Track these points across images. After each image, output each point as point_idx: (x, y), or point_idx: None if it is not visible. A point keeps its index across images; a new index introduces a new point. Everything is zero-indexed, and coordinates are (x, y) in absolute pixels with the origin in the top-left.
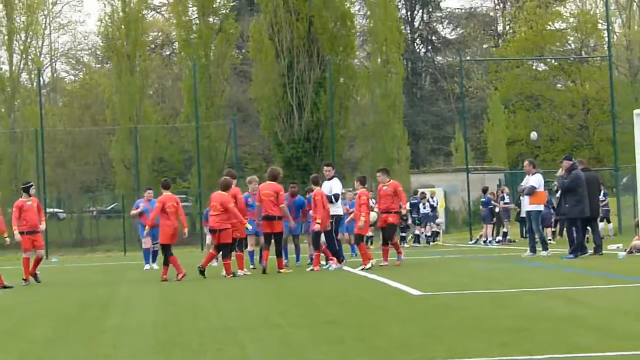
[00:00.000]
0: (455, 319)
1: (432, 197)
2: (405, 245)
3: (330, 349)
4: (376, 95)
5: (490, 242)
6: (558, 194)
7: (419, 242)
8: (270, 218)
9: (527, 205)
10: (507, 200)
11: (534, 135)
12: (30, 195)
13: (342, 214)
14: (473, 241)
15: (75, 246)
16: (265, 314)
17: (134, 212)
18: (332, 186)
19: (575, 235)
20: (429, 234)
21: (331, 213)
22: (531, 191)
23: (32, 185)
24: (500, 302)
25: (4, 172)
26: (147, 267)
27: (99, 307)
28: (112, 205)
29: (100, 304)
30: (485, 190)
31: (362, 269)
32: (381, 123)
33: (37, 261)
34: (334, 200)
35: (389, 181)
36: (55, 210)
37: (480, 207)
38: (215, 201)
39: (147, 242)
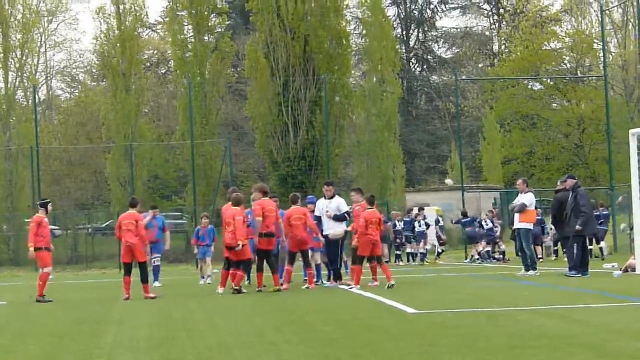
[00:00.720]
0: (450, 338)
1: (440, 217)
2: (401, 263)
3: None
4: (372, 114)
5: (478, 260)
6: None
7: (414, 261)
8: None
9: (518, 223)
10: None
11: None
12: (47, 212)
13: (345, 230)
14: (468, 260)
15: (71, 263)
16: (261, 331)
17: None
18: (339, 205)
19: (576, 252)
20: (423, 251)
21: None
22: (522, 209)
23: (49, 202)
24: (495, 320)
25: (0, 189)
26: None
27: (93, 324)
28: (108, 223)
29: (95, 321)
30: (465, 214)
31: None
32: (377, 142)
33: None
34: (347, 217)
35: (362, 201)
36: (51, 227)
37: (464, 228)
38: (229, 217)
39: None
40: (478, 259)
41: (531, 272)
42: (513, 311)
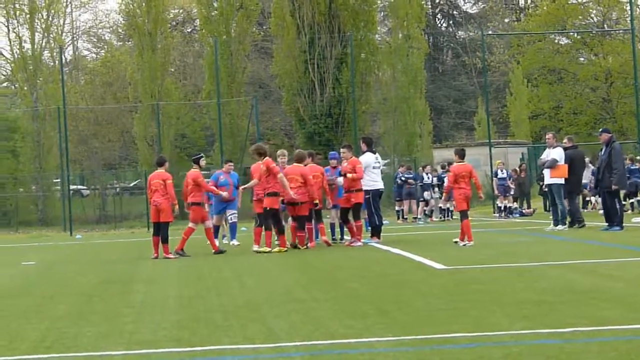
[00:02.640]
0: (478, 293)
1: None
2: (433, 219)
3: (354, 324)
4: (398, 70)
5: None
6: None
7: (446, 216)
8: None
9: (548, 179)
10: (500, 175)
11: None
12: (200, 167)
13: (379, 187)
14: (497, 215)
15: (99, 223)
16: (289, 288)
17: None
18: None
19: (618, 206)
20: (450, 207)
21: (367, 188)
22: (552, 164)
23: (202, 157)
24: (523, 275)
25: (27, 149)
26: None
27: (122, 284)
28: (135, 182)
29: (124, 280)
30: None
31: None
32: (403, 98)
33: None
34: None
35: (351, 157)
36: (79, 187)
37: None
38: (295, 174)
39: (217, 219)
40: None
41: (560, 227)
42: (541, 266)
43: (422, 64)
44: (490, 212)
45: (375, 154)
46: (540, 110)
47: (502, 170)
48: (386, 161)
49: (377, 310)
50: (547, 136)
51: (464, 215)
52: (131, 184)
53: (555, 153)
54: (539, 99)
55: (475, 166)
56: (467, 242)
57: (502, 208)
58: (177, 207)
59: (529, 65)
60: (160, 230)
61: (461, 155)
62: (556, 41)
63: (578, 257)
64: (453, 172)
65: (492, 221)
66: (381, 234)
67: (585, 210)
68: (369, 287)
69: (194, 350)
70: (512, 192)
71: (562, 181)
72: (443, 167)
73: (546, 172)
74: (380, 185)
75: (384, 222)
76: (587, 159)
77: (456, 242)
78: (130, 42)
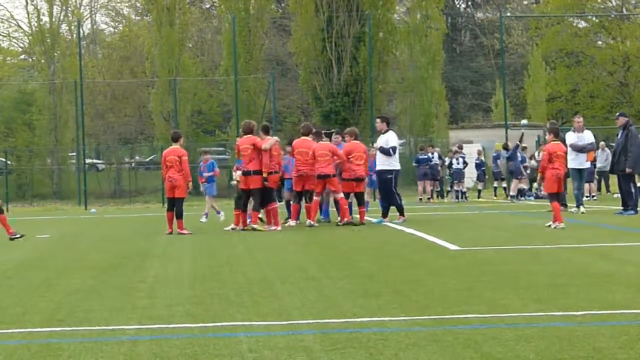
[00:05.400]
0: (491, 274)
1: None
2: (446, 200)
3: (367, 303)
4: (415, 50)
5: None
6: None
7: (459, 198)
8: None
9: (577, 162)
10: (520, 158)
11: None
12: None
13: (399, 168)
14: (510, 197)
15: (114, 197)
16: (303, 266)
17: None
18: (388, 139)
19: (633, 190)
20: (464, 190)
21: (390, 168)
22: (593, 148)
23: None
24: (536, 258)
25: (44, 122)
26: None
27: (136, 259)
28: (151, 157)
29: (138, 255)
30: (505, 147)
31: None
32: (420, 78)
33: None
34: (391, 152)
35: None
36: (94, 161)
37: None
38: (305, 147)
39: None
40: (514, 196)
41: (574, 210)
42: (555, 249)
43: (440, 45)
44: (503, 194)
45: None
46: (557, 93)
47: (519, 152)
48: (402, 141)
49: (391, 290)
50: (577, 119)
51: (552, 197)
52: (147, 159)
53: (589, 136)
54: (557, 81)
55: (491, 148)
56: (557, 224)
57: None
58: (191, 183)
59: (547, 48)
60: (175, 206)
61: (556, 133)
62: (574, 24)
63: (592, 240)
64: (547, 151)
65: (505, 203)
66: (388, 214)
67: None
68: (383, 267)
69: (206, 326)
70: (526, 175)
71: (588, 165)
72: (460, 148)
73: (575, 155)
74: (399, 165)
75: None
76: (602, 142)
77: (549, 226)
78: (148, 17)
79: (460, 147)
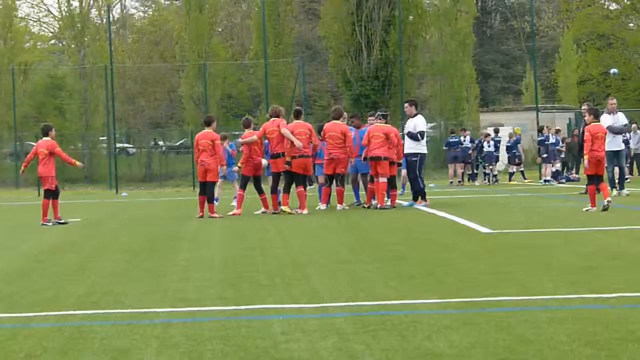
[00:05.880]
0: (524, 257)
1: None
2: (477, 183)
3: (399, 285)
4: (446, 33)
5: (549, 181)
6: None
7: (490, 181)
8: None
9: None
10: (552, 140)
11: (614, 71)
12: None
13: (426, 152)
14: (542, 180)
15: (144, 181)
16: (334, 250)
17: None
18: (416, 123)
19: None
20: (495, 172)
21: (416, 151)
22: (628, 130)
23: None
24: (569, 240)
25: (74, 107)
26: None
27: (168, 242)
28: (181, 141)
29: (169, 238)
30: (541, 130)
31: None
32: (450, 61)
33: None
34: (419, 137)
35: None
36: (125, 145)
37: (538, 146)
38: (336, 131)
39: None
40: (549, 180)
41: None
42: (588, 231)
43: (470, 28)
44: (536, 177)
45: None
46: (588, 76)
47: (552, 136)
48: (432, 124)
49: (423, 273)
50: (611, 101)
51: (590, 180)
52: (177, 143)
53: (623, 118)
54: (588, 64)
55: (522, 131)
56: (589, 208)
57: (559, 172)
58: (224, 167)
59: (577, 31)
60: (207, 190)
61: (595, 114)
62: (605, 6)
63: (625, 223)
64: (589, 132)
65: (537, 186)
66: (427, 197)
67: None
68: (415, 250)
69: (238, 309)
70: (559, 158)
71: (623, 146)
72: (496, 132)
73: (612, 138)
74: (425, 149)
75: (429, 185)
76: (634, 125)
77: (587, 210)
78: (178, 1)
79: (497, 131)
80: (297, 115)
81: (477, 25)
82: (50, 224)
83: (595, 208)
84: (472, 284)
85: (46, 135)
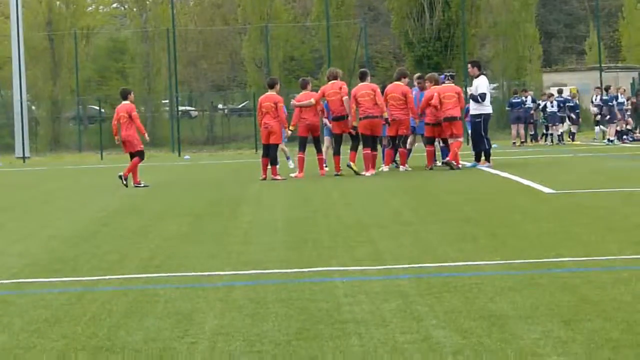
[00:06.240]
0: (588, 218)
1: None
2: (542, 143)
3: (463, 247)
4: None
5: (612, 141)
6: None
7: (553, 141)
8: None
9: None
10: (620, 100)
11: None
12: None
13: (490, 112)
14: (606, 140)
15: (207, 144)
16: (397, 211)
17: None
18: (478, 85)
19: None
20: (559, 133)
21: (480, 112)
22: None
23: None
24: (633, 200)
25: (136, 71)
26: None
27: (231, 205)
28: (244, 104)
29: (232, 201)
30: (607, 89)
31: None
32: (513, 22)
33: None
34: (479, 99)
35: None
36: (187, 108)
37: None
38: (397, 92)
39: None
40: (612, 140)
41: None
42: None
43: None
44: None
45: (486, 76)
46: None
47: (621, 95)
48: (495, 85)
49: (486, 234)
50: None
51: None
52: (239, 106)
53: None
54: None
55: (586, 91)
56: None
57: (624, 132)
58: (288, 129)
59: None
60: (270, 152)
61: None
62: None
63: None
64: None
65: (601, 146)
66: (491, 158)
67: None
68: (478, 211)
69: (301, 271)
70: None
71: None
72: (560, 92)
73: None
74: (490, 109)
75: (493, 145)
76: None
77: None
78: None
79: (560, 92)
80: (363, 77)
81: None
82: (143, 184)
83: None
84: (536, 245)
85: (125, 99)
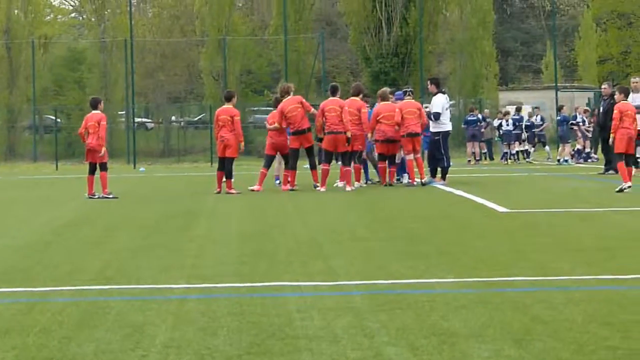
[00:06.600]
0: (540, 237)
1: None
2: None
3: (415, 264)
4: (466, 11)
5: (566, 161)
6: None
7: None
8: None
9: None
10: (579, 120)
11: None
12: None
13: (449, 129)
14: (562, 159)
15: (163, 156)
16: (351, 227)
17: None
18: (434, 103)
19: None
20: (513, 152)
21: (438, 130)
22: None
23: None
24: (586, 221)
25: (94, 81)
26: None
27: (185, 218)
28: (200, 116)
29: (186, 214)
30: (560, 109)
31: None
32: (470, 39)
33: None
34: (432, 118)
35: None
36: (143, 120)
37: (557, 126)
38: (352, 107)
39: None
40: (567, 160)
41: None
42: (606, 212)
43: (490, 5)
44: (553, 156)
45: (444, 94)
46: (608, 55)
47: (580, 115)
48: (452, 102)
49: (439, 252)
50: (634, 80)
51: (619, 157)
52: (195, 118)
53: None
54: (608, 43)
55: (541, 110)
56: (625, 183)
57: (578, 152)
58: (242, 143)
59: (598, 9)
60: (225, 166)
61: (626, 93)
62: None
63: None
64: (618, 110)
65: (556, 166)
66: (446, 176)
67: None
68: (432, 229)
69: (254, 285)
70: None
71: None
72: (518, 110)
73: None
74: (449, 127)
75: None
76: None
77: (622, 189)
78: None
79: (519, 109)
80: (334, 92)
81: (497, 3)
82: (111, 196)
83: (630, 183)
84: (489, 264)
85: (95, 108)
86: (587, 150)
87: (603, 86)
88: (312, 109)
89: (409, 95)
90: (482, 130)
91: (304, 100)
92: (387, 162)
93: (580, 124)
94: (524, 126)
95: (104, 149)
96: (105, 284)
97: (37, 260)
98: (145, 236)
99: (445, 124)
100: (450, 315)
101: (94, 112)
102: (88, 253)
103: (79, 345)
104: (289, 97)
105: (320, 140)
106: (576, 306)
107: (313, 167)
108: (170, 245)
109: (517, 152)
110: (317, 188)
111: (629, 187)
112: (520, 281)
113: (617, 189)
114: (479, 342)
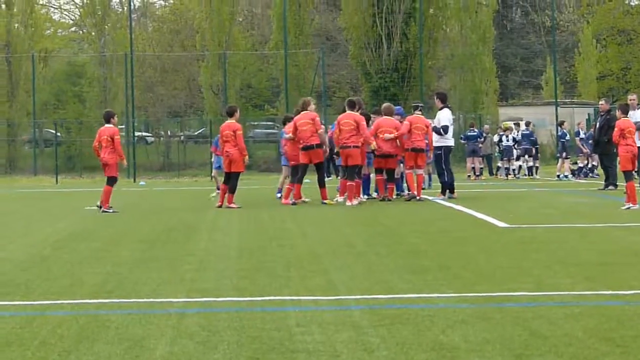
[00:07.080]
0: (540, 252)
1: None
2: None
3: (415, 278)
4: (466, 27)
5: (566, 176)
6: None
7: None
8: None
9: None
10: (582, 135)
11: None
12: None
13: (452, 145)
14: (562, 175)
15: (162, 170)
16: (350, 242)
17: None
18: (440, 118)
19: None
20: (514, 167)
21: (440, 144)
22: None
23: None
24: (586, 236)
25: (94, 95)
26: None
27: (185, 232)
28: (200, 131)
29: (186, 228)
30: (561, 124)
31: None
32: (470, 55)
33: None
34: (441, 132)
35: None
36: (143, 134)
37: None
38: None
39: None
40: (567, 175)
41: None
42: (606, 227)
43: (490, 21)
44: (554, 172)
45: (450, 109)
46: (608, 71)
47: (582, 131)
48: (453, 117)
49: (439, 266)
50: (631, 97)
51: (628, 176)
52: (195, 132)
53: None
54: (608, 59)
55: (541, 125)
56: (631, 205)
57: (581, 168)
58: (247, 157)
59: (598, 26)
60: (230, 180)
61: (625, 110)
62: (627, 2)
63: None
64: (619, 127)
65: (556, 181)
66: (454, 191)
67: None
68: (431, 243)
69: (254, 299)
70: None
71: None
72: (518, 125)
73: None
74: (451, 142)
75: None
76: None
77: (625, 207)
78: None
79: (518, 124)
80: (351, 106)
81: (497, 19)
82: (111, 210)
83: (637, 205)
84: (489, 279)
85: (108, 122)
86: (593, 163)
87: (600, 102)
88: (322, 129)
89: (419, 110)
90: (480, 145)
91: (316, 118)
92: (385, 175)
93: (584, 139)
94: (532, 141)
95: (125, 162)
96: (105, 298)
97: (36, 273)
98: (145, 250)
99: (448, 139)
100: (450, 330)
101: (107, 125)
102: (88, 266)
103: (79, 359)
104: (305, 112)
105: (338, 154)
106: (576, 321)
107: (322, 184)
108: (171, 258)
109: (520, 166)
110: (339, 201)
111: (636, 208)
112: (520, 296)
113: (624, 207)
114: (478, 357)
